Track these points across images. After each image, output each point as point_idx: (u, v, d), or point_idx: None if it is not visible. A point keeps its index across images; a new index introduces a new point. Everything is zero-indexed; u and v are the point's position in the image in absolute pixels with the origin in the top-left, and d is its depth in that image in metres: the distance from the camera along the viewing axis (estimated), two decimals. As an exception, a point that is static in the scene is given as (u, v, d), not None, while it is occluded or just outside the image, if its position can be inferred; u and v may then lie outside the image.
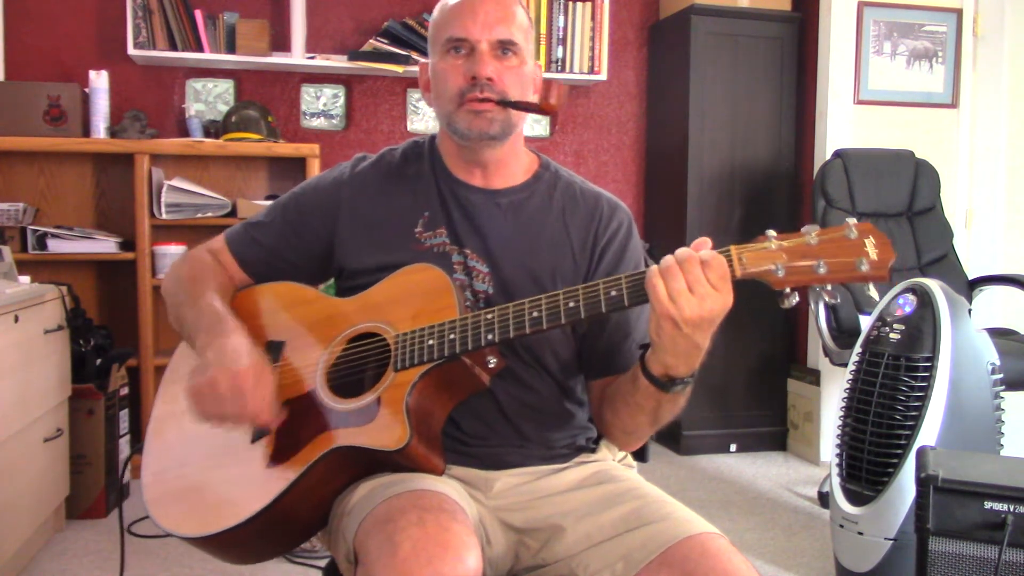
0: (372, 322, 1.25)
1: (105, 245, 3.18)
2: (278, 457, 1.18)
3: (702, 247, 1.06)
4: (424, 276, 1.24)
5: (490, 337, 1.15)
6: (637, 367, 1.17)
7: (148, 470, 1.27)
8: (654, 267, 1.06)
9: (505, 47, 1.27)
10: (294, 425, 1.21)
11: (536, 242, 1.32)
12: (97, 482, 2.79)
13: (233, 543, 1.21)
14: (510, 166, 1.35)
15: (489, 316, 1.15)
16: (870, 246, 1.02)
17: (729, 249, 1.06)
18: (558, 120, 3.89)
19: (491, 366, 1.20)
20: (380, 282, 1.27)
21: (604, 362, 1.32)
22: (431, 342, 1.17)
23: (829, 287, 1.05)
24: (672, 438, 3.72)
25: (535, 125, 3.88)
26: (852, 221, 1.04)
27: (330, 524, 1.23)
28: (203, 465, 1.24)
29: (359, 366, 1.24)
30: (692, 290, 1.04)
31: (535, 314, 1.13)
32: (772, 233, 1.06)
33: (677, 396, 1.18)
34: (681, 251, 1.05)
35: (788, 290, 1.05)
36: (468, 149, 1.32)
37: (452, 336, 1.16)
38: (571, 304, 1.12)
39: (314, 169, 3.28)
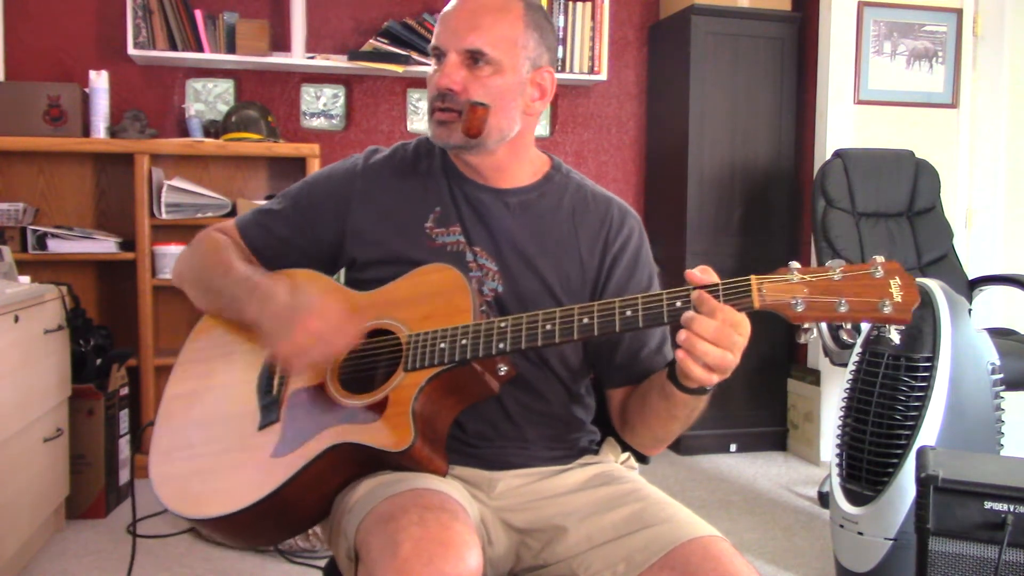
0: (386, 319, 1.25)
1: (105, 245, 3.18)
2: (283, 447, 1.19)
3: (708, 273, 1.07)
4: (442, 277, 1.24)
5: (501, 346, 1.14)
6: (667, 383, 1.16)
7: (156, 449, 1.28)
8: (685, 346, 1.05)
9: (475, 57, 1.25)
10: (302, 416, 1.21)
11: (544, 242, 1.32)
12: (97, 482, 2.79)
13: (231, 528, 1.22)
14: (511, 169, 1.35)
15: (503, 325, 1.15)
16: (895, 287, 1.01)
17: (750, 279, 1.05)
18: (558, 120, 3.89)
19: (502, 373, 1.20)
20: (398, 279, 1.27)
21: (622, 374, 1.32)
22: (443, 345, 1.16)
23: (848, 325, 1.04)
24: (672, 438, 3.71)
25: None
26: (880, 259, 1.03)
27: (331, 521, 1.24)
28: (210, 449, 1.24)
29: (370, 362, 1.24)
30: (723, 348, 1.05)
31: (548, 327, 1.13)
32: (795, 265, 1.05)
33: (710, 393, 1.18)
34: (709, 330, 1.03)
35: (806, 324, 1.04)
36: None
37: (464, 341, 1.16)
38: (585, 320, 1.11)
39: (314, 169, 3.27)
